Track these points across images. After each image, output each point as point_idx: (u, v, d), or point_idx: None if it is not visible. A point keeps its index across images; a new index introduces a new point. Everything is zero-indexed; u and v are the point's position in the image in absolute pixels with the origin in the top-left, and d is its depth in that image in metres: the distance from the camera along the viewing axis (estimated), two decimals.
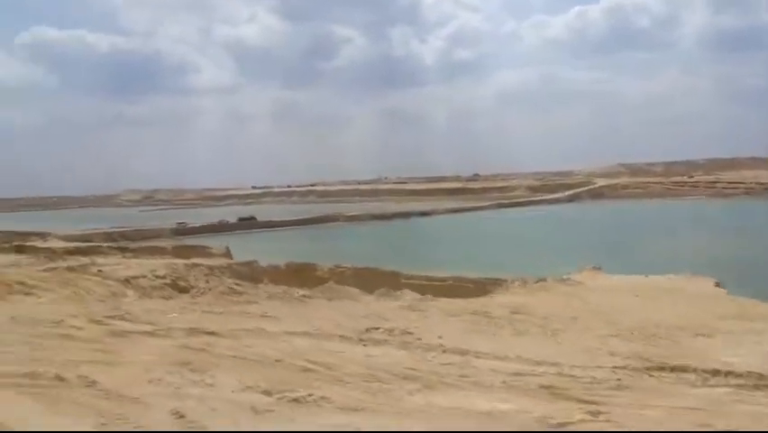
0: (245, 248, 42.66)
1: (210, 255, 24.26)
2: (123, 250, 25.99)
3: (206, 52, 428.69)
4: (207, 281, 17.19)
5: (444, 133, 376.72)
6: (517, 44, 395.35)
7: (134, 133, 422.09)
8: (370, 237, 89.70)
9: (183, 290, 16.16)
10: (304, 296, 17.19)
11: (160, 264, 19.72)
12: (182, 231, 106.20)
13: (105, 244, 27.89)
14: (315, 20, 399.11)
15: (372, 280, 21.16)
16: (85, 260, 20.61)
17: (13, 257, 23.42)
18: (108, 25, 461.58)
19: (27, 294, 13.40)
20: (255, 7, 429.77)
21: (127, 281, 15.39)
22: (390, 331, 11.45)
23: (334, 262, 24.51)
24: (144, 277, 16.09)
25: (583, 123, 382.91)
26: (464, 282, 22.90)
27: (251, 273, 19.85)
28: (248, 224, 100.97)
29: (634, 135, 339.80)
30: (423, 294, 19.63)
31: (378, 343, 9.91)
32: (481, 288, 22.23)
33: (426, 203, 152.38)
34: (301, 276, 21.25)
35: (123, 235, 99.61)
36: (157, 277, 16.34)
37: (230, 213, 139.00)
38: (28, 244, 27.81)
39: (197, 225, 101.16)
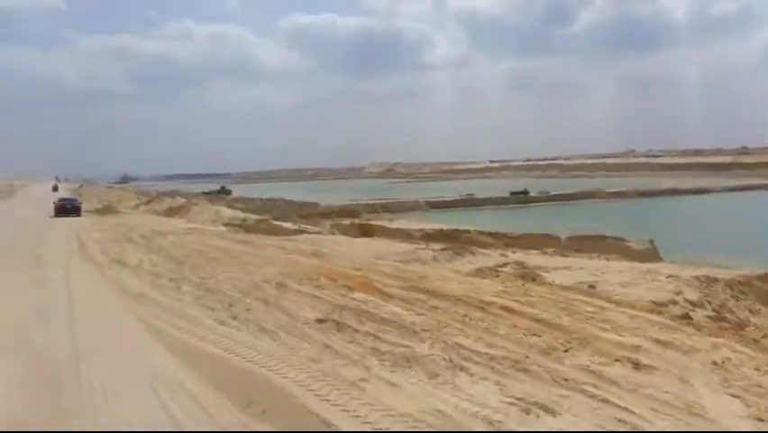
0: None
1: (629, 252, 17.29)
2: (499, 239, 19.96)
3: (442, 27, 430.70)
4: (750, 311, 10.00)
5: (699, 100, 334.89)
6: None
7: (376, 110, 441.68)
8: (651, 216, 77.39)
9: (738, 327, 9.04)
10: None
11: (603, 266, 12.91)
12: (437, 204, 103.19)
13: (473, 230, 22.30)
14: None
15: None
16: (483, 257, 14.53)
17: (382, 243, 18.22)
18: (354, 8, 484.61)
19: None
20: None
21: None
22: None
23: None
24: (674, 304, 9.33)
25: None
26: None
27: None
28: (521, 198, 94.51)
29: None
30: None
31: None
32: None
33: (689, 179, 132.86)
34: None
35: (384, 207, 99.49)
36: (691, 304, 9.51)
37: (473, 187, 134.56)
38: (374, 223, 23.13)
39: (486, 196, 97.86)
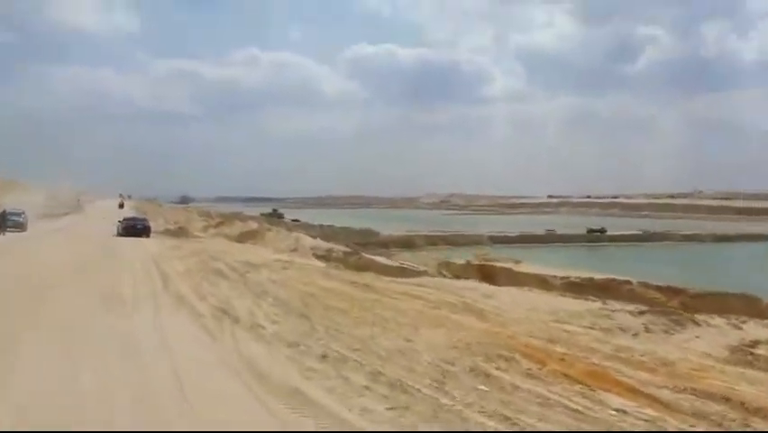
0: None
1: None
2: (671, 296, 15.60)
3: (501, 61, 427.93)
4: None
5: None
6: None
7: (432, 140, 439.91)
8: (738, 263, 70.79)
9: None
10: None
11: None
12: (500, 239, 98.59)
13: (635, 281, 17.81)
14: (616, 21, 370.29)
15: None
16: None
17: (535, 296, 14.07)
18: (416, 39, 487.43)
19: None
20: (552, 12, 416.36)
21: None
22: None
23: None
24: None
25: None
26: None
27: None
28: (595, 236, 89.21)
29: None
30: None
31: None
32: None
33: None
34: None
35: (445, 240, 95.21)
36: None
37: (528, 222, 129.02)
38: (497, 265, 19.02)
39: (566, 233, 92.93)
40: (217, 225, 44.34)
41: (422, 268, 22.36)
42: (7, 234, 32.08)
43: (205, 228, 44.09)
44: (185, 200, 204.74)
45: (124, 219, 36.72)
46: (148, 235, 34.19)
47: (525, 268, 19.49)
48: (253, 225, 39.57)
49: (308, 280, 15.46)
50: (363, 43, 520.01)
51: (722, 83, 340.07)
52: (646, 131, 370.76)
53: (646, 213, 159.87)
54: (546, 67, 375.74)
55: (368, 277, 16.98)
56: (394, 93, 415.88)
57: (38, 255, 20.25)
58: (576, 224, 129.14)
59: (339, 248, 27.71)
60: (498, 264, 20.00)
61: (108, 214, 56.90)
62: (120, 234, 34.36)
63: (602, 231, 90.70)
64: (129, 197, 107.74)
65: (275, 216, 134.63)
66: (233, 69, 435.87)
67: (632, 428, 5.90)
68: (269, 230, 35.29)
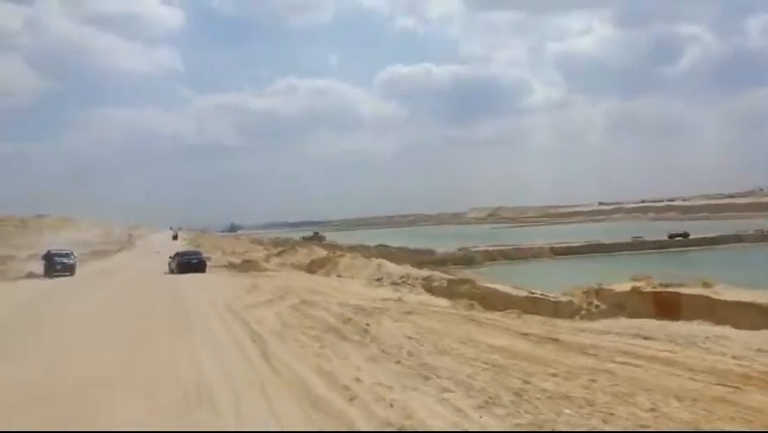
0: None
1: None
2: None
3: (538, 71, 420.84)
4: None
5: None
6: None
7: (474, 155, 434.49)
8: None
9: None
10: None
11: None
12: (562, 250, 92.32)
13: None
14: (655, 22, 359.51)
15: None
16: None
17: None
18: (451, 56, 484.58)
19: None
20: (590, 19, 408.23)
21: None
22: None
23: None
24: None
25: None
26: None
27: None
28: (680, 242, 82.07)
29: None
30: None
31: None
32: None
33: None
34: None
35: (504, 254, 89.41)
36: None
37: (585, 231, 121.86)
38: (685, 293, 13.80)
39: (617, 241, 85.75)
40: (279, 254, 39.94)
41: (563, 298, 17.26)
42: (55, 278, 28.22)
43: (267, 258, 39.73)
44: (233, 228, 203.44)
45: (177, 255, 32.41)
46: (204, 270, 30.24)
47: (731, 295, 14.13)
48: (321, 253, 34.97)
49: (459, 333, 10.59)
50: (399, 64, 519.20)
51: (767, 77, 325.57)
52: (693, 131, 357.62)
53: (705, 214, 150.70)
54: (586, 73, 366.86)
55: (535, 324, 11.96)
56: (432, 111, 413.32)
57: (80, 318, 15.10)
58: (629, 229, 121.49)
59: (441, 275, 22.76)
60: (686, 291, 14.68)
61: (162, 247, 53.30)
62: (173, 272, 30.42)
63: (685, 235, 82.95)
64: (179, 228, 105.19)
65: (316, 239, 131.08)
66: (272, 98, 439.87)
67: None
68: (343, 256, 30.66)
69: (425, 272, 24.74)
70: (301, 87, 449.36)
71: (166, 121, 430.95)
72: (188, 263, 30.39)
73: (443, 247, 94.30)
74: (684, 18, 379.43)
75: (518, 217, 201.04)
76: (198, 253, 33.15)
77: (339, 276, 27.72)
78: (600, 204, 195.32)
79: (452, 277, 21.68)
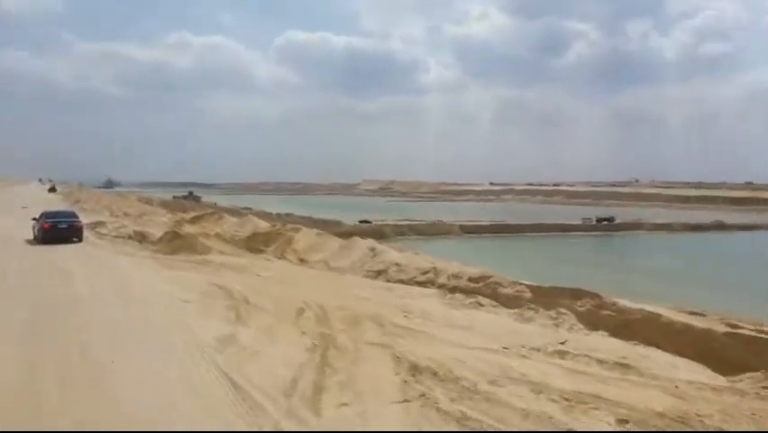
0: None
1: None
2: None
3: (435, 51, 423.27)
4: None
5: (689, 134, 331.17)
6: None
7: (368, 128, 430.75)
8: (734, 254, 64.08)
9: None
10: None
11: None
12: (471, 228, 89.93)
13: None
14: (548, 15, 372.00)
15: None
16: None
17: None
18: (350, 28, 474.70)
19: None
20: (488, 4, 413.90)
21: None
22: None
23: None
24: None
25: None
26: None
27: None
28: (602, 226, 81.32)
29: None
30: None
31: None
32: None
33: (716, 213, 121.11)
34: None
35: (414, 229, 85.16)
36: None
37: (481, 210, 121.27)
38: None
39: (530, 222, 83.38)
40: (194, 221, 31.29)
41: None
42: None
43: (177, 224, 30.94)
44: (110, 185, 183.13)
45: (44, 215, 23.75)
46: (80, 239, 22.81)
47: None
48: (262, 224, 26.84)
49: None
50: (296, 30, 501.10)
51: (644, 78, 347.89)
52: (576, 122, 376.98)
53: (589, 200, 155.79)
54: (480, 58, 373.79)
55: None
56: (327, 80, 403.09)
57: None
58: (521, 211, 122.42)
59: (465, 270, 15.45)
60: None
61: (32, 201, 42.77)
62: (38, 241, 22.36)
63: (611, 220, 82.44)
64: (50, 181, 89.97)
65: (191, 199, 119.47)
66: (163, 51, 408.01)
67: None
68: (298, 230, 22.98)
69: (473, 270, 15.09)
70: (194, 44, 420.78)
71: (39, 65, 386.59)
72: (57, 230, 22.19)
73: (342, 219, 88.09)
74: (575, 15, 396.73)
75: (411, 192, 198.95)
76: (71, 216, 24.80)
77: (302, 260, 20.28)
78: (491, 184, 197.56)
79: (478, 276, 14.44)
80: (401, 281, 14.64)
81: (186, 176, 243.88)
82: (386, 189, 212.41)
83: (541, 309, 9.81)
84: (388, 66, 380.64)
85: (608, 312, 10.27)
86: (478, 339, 7.95)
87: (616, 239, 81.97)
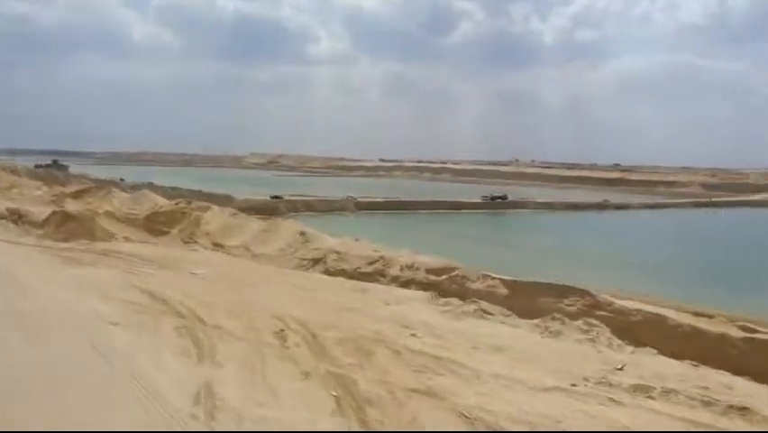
0: None
1: None
2: None
3: (325, 22, 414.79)
4: None
5: (564, 117, 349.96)
6: (647, 28, 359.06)
7: (255, 99, 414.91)
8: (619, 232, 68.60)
9: None
10: None
11: None
12: (365, 205, 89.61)
13: None
14: None
15: None
16: None
17: None
18: None
19: None
20: None
21: None
22: None
23: None
24: None
25: (730, 118, 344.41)
26: None
27: None
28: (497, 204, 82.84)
29: None
30: None
31: None
32: None
33: (595, 193, 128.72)
34: None
35: (308, 205, 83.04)
36: None
37: (374, 186, 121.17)
38: None
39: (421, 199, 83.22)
40: (77, 196, 27.22)
41: None
42: None
43: (56, 202, 26.76)
44: None
45: None
46: None
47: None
48: (161, 200, 23.44)
49: None
50: None
51: (525, 60, 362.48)
52: (461, 101, 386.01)
53: (475, 178, 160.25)
54: (370, 32, 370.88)
55: None
56: (211, 45, 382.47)
57: None
58: (412, 188, 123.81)
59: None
60: None
61: None
62: None
63: (504, 198, 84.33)
64: None
65: (56, 168, 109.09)
66: (24, 4, 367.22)
67: None
68: (207, 209, 20.04)
69: (429, 260, 13.25)
70: None
71: None
72: None
73: (232, 193, 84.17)
74: None
75: (300, 167, 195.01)
76: None
77: (217, 245, 17.66)
78: (381, 160, 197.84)
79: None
80: (344, 272, 12.68)
81: (52, 143, 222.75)
82: (274, 163, 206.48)
83: (566, 320, 8.36)
84: (278, 34, 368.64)
85: (605, 313, 9.11)
86: (527, 369, 6.32)
87: (507, 217, 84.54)
